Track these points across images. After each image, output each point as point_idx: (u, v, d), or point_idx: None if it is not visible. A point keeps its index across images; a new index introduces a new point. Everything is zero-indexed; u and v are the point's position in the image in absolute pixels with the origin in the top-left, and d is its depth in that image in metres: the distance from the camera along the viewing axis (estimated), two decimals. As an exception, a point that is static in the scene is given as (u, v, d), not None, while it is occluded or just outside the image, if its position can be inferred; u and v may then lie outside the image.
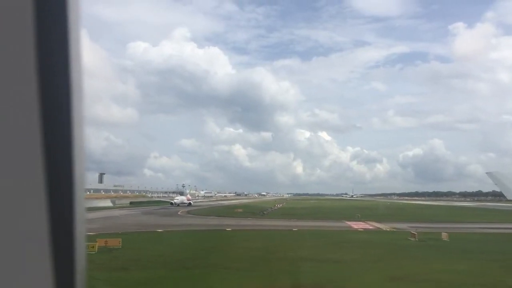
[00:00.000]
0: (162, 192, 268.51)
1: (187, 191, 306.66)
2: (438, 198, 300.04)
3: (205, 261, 26.45)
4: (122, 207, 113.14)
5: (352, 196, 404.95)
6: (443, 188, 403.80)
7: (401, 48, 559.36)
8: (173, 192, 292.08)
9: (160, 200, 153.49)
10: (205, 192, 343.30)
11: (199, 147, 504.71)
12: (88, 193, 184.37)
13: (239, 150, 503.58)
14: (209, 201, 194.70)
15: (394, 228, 56.06)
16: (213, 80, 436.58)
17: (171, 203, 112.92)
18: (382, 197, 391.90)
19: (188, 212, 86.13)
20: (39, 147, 1.40)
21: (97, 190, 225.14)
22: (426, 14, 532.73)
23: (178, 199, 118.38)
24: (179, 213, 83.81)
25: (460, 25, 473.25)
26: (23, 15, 1.36)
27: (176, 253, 30.55)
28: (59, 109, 1.46)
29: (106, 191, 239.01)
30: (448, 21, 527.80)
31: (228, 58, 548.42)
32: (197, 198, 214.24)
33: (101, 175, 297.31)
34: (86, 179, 1.61)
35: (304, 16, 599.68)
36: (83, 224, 1.54)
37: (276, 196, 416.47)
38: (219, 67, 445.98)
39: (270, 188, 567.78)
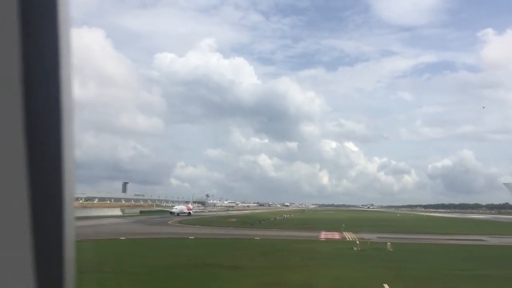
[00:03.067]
0: (183, 202, 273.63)
1: (210, 201, 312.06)
2: (463, 211, 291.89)
3: (100, 266, 27.94)
4: (127, 216, 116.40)
5: (369, 207, 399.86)
6: (474, 200, 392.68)
7: (429, 57, 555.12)
8: (194, 202, 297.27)
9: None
10: (228, 202, 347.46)
11: (225, 157, 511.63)
12: (101, 201, 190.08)
13: (264, 160, 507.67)
14: (217, 211, 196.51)
15: (361, 238, 56.27)
16: (238, 90, 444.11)
17: (171, 212, 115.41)
18: (407, 208, 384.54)
19: (180, 222, 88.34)
20: (26, 152, 1.35)
21: (118, 199, 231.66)
22: (454, 23, 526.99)
23: (177, 208, 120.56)
24: (169, 222, 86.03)
25: (489, 32, 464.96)
26: (10, 14, 1.32)
27: (93, 258, 32.35)
28: (47, 114, 1.42)
29: (127, 200, 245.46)
30: (476, 28, 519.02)
31: (254, 69, 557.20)
32: (204, 207, 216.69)
33: (125, 184, 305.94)
34: (76, 186, 1.59)
35: (329, 26, 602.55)
36: (71, 232, 1.50)
37: (299, 207, 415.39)
38: (245, 77, 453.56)
39: (296, 198, 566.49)
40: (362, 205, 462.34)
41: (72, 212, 1.51)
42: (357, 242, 44.77)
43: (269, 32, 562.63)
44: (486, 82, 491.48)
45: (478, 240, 56.58)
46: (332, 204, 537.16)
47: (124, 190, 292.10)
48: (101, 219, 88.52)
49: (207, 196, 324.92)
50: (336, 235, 61.74)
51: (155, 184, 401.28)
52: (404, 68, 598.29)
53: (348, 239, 55.40)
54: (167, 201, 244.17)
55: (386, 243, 44.98)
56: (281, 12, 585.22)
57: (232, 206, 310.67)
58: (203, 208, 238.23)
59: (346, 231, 68.00)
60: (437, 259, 36.31)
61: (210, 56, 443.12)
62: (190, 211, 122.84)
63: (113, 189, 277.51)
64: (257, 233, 61.49)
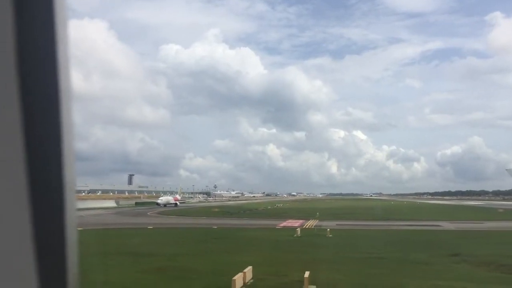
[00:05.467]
0: (188, 193, 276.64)
1: (215, 191, 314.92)
2: (465, 198, 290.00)
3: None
4: (118, 208, 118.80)
5: (371, 196, 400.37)
6: (484, 187, 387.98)
7: (437, 44, 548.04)
8: (200, 193, 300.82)
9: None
10: (235, 192, 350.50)
11: (233, 147, 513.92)
12: (105, 193, 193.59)
13: (272, 150, 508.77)
14: (212, 201, 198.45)
15: (318, 226, 57.38)
16: (245, 80, 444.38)
17: (157, 203, 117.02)
18: (414, 196, 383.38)
19: (160, 213, 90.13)
20: (25, 148, 1.35)
21: (122, 191, 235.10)
22: (461, 8, 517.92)
23: (163, 199, 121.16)
24: (148, 213, 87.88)
25: (497, 15, 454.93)
26: (5, 9, 1.31)
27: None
28: (46, 109, 1.42)
29: (131, 192, 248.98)
30: (484, 12, 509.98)
31: (260, 58, 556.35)
32: (195, 198, 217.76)
33: (131, 176, 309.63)
34: (76, 179, 1.57)
35: (336, 14, 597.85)
36: (74, 225, 1.51)
37: (306, 197, 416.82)
38: (251, 67, 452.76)
39: (305, 188, 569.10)
40: (364, 194, 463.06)
41: (73, 204, 1.50)
42: (298, 230, 45.80)
43: (275, 22, 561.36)
44: (495, 67, 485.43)
45: (435, 225, 57.31)
46: (340, 193, 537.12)
47: (130, 182, 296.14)
48: (86, 211, 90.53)
49: (215, 186, 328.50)
50: (297, 223, 62.73)
51: (164, 175, 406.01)
52: (412, 55, 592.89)
53: (304, 227, 56.50)
54: (171, 192, 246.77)
55: (332, 230, 46.29)
56: (286, 1, 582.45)
57: (238, 197, 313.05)
58: (203, 198, 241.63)
59: (314, 219, 69.08)
60: (360, 244, 37.40)
61: (216, 47, 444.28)
62: (177, 202, 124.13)
63: (122, 181, 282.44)
64: (222, 222, 62.98)
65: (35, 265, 1.39)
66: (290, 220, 67.94)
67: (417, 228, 53.89)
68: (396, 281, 21.76)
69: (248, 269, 22.31)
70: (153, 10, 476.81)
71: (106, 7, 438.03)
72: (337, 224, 59.21)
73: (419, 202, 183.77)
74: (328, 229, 45.25)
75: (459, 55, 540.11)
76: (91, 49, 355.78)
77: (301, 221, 66.70)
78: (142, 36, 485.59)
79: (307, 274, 20.23)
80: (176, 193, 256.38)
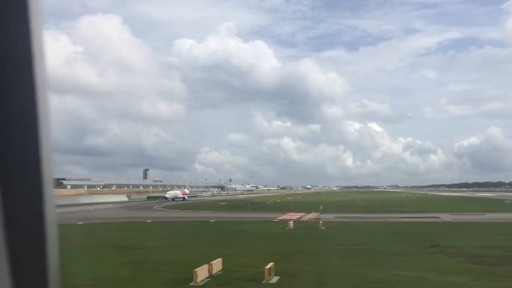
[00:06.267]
0: (203, 187, 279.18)
1: (230, 185, 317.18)
2: (481, 189, 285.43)
3: None
4: (129, 202, 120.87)
5: (385, 188, 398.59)
6: (503, 178, 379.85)
7: (453, 33, 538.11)
8: (215, 187, 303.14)
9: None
10: (250, 186, 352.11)
11: (248, 141, 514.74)
12: (119, 188, 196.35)
13: (287, 143, 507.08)
14: (225, 195, 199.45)
15: (316, 218, 57.60)
16: (259, 74, 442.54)
17: (165, 198, 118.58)
18: (430, 188, 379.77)
19: (166, 207, 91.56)
20: (1, 143, 1.34)
21: (136, 186, 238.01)
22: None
23: (170, 193, 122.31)
24: (154, 207, 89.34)
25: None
26: None
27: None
28: (22, 102, 1.41)
29: (145, 186, 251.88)
30: (501, 1, 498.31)
31: (274, 51, 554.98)
32: (208, 191, 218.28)
33: (145, 171, 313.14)
34: (54, 174, 1.53)
35: (350, 6, 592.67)
36: (53, 220, 1.49)
37: (321, 190, 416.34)
38: (265, 61, 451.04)
39: (320, 181, 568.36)
40: (379, 187, 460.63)
41: (52, 199, 1.49)
42: (291, 222, 46.21)
43: (288, 14, 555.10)
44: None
45: (434, 217, 57.07)
46: (356, 186, 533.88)
47: (145, 176, 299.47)
48: (95, 206, 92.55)
49: (230, 180, 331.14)
50: (296, 216, 63.18)
51: (180, 170, 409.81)
52: (428, 45, 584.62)
53: (300, 220, 56.94)
54: (185, 187, 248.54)
55: (328, 222, 46.88)
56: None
57: (252, 190, 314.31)
58: (216, 192, 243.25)
59: (316, 212, 69.38)
60: (347, 236, 37.77)
61: (229, 41, 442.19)
62: (185, 196, 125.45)
63: (137, 176, 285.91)
64: (223, 216, 63.92)
65: (11, 262, 1.37)
66: (291, 213, 68.35)
67: (415, 220, 53.76)
68: (360, 271, 22.18)
69: (217, 261, 22.99)
70: (167, 4, 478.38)
71: (119, 2, 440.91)
72: (335, 217, 59.59)
73: (431, 194, 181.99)
74: (321, 222, 45.63)
75: (476, 45, 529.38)
76: (104, 44, 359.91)
77: (302, 214, 67.09)
78: (156, 31, 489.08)
79: (269, 265, 20.81)
80: (190, 186, 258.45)
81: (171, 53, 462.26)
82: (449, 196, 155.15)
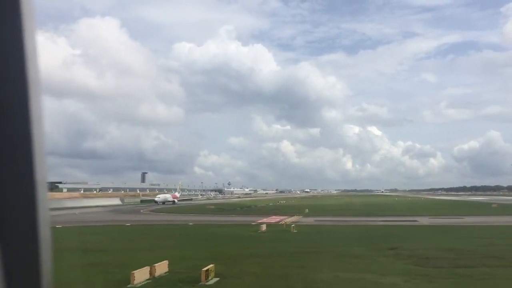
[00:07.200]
0: (200, 190, 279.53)
1: (229, 188, 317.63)
2: (481, 193, 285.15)
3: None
4: (120, 205, 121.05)
5: (382, 192, 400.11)
6: (502, 182, 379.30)
7: (453, 37, 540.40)
8: (212, 190, 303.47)
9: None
10: (249, 190, 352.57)
11: (247, 144, 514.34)
12: (116, 191, 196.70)
13: (287, 147, 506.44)
14: (220, 199, 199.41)
15: (295, 222, 57.95)
16: (258, 77, 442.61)
17: (155, 201, 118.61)
18: (428, 192, 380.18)
19: (153, 210, 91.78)
20: None
21: (133, 189, 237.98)
22: (477, 1, 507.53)
23: (160, 197, 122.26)
24: (141, 211, 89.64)
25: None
26: None
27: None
28: (15, 104, 1.41)
29: (142, 189, 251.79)
30: (500, 3, 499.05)
31: (273, 55, 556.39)
32: (198, 195, 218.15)
33: (144, 174, 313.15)
34: (48, 177, 1.54)
35: (350, 9, 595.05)
36: (47, 223, 1.49)
37: (319, 193, 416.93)
38: (264, 64, 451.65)
39: (320, 184, 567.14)
40: (377, 190, 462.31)
41: (46, 201, 1.49)
42: (264, 226, 46.47)
43: (288, 18, 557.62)
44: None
45: (412, 221, 57.28)
46: (355, 189, 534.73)
47: (143, 180, 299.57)
48: (83, 209, 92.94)
49: (229, 184, 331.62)
50: (277, 219, 63.47)
51: (179, 173, 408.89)
52: (428, 49, 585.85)
53: (278, 223, 57.18)
54: (183, 190, 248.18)
55: (302, 226, 47.21)
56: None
57: (250, 194, 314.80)
58: (213, 195, 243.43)
59: (299, 215, 69.71)
60: (314, 239, 38.28)
61: (229, 44, 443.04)
62: (175, 200, 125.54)
63: (136, 179, 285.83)
64: (204, 219, 64.41)
65: (4, 265, 1.38)
66: (274, 217, 68.51)
67: (392, 223, 54.03)
68: (302, 273, 22.45)
69: (163, 263, 23.32)
70: (166, 8, 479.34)
71: (119, 5, 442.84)
72: (315, 220, 60.03)
73: (424, 198, 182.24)
74: (293, 225, 45.92)
75: (475, 49, 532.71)
76: (103, 47, 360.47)
77: (284, 217, 67.20)
78: (155, 34, 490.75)
79: (207, 267, 21.14)
80: (187, 190, 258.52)
81: (170, 56, 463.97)
82: (441, 200, 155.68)
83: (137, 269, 21.85)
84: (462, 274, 22.06)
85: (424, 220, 57.85)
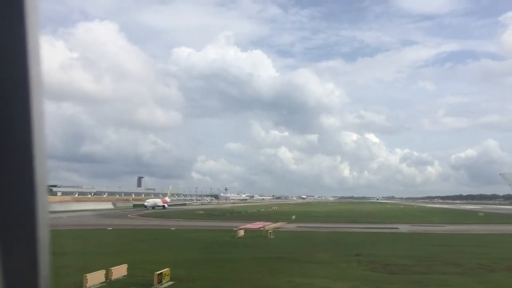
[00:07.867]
0: (196, 195, 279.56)
1: (225, 194, 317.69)
2: (476, 202, 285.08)
3: None
4: (112, 210, 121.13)
5: (378, 199, 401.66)
6: (499, 191, 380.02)
7: (451, 46, 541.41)
8: (208, 195, 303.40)
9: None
10: (245, 195, 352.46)
11: (245, 150, 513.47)
12: (111, 195, 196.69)
13: (285, 153, 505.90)
14: (215, 204, 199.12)
15: (276, 228, 58.27)
16: (257, 83, 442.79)
17: (144, 206, 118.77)
18: (424, 200, 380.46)
19: (140, 215, 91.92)
20: None
21: (128, 193, 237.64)
22: (477, 10, 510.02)
23: (150, 202, 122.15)
24: (129, 215, 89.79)
25: (511, 15, 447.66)
26: None
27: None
28: (16, 106, 1.41)
29: (138, 194, 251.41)
30: (498, 13, 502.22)
31: (272, 61, 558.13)
32: (191, 200, 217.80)
33: (140, 179, 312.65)
34: (48, 180, 1.54)
35: (349, 17, 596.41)
36: (46, 226, 1.49)
37: (315, 199, 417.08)
38: (263, 70, 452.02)
39: (317, 191, 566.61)
40: (373, 198, 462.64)
41: (46, 204, 1.50)
42: (242, 231, 46.77)
43: (287, 25, 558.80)
44: (510, 69, 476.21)
45: (392, 228, 57.70)
46: (352, 196, 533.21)
47: (139, 184, 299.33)
48: (71, 213, 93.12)
49: (226, 189, 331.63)
50: (260, 225, 63.74)
51: (177, 178, 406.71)
52: (426, 57, 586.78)
53: (259, 229, 57.49)
54: (178, 195, 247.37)
55: (281, 232, 47.58)
56: (299, 3, 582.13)
57: (246, 199, 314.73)
58: (208, 201, 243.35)
59: (283, 222, 69.99)
60: (287, 245, 38.73)
61: (228, 50, 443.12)
62: (165, 205, 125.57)
63: (133, 183, 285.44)
64: (187, 224, 64.61)
65: (3, 267, 1.39)
66: (258, 222, 68.73)
67: (372, 230, 54.36)
68: (257, 278, 22.90)
69: (121, 266, 23.71)
70: (166, 13, 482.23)
71: (118, 10, 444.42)
72: (297, 226, 60.51)
73: (416, 206, 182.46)
74: (270, 231, 46.29)
75: (473, 58, 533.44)
76: (101, 51, 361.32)
77: (268, 223, 67.40)
78: (154, 39, 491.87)
79: (161, 271, 21.54)
80: (183, 195, 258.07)
81: (169, 61, 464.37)
82: (433, 208, 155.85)
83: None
84: (414, 281, 22.49)
85: (404, 228, 58.19)
